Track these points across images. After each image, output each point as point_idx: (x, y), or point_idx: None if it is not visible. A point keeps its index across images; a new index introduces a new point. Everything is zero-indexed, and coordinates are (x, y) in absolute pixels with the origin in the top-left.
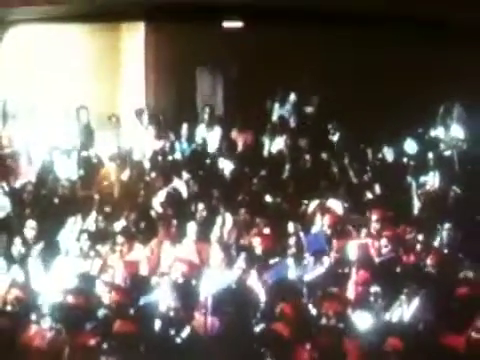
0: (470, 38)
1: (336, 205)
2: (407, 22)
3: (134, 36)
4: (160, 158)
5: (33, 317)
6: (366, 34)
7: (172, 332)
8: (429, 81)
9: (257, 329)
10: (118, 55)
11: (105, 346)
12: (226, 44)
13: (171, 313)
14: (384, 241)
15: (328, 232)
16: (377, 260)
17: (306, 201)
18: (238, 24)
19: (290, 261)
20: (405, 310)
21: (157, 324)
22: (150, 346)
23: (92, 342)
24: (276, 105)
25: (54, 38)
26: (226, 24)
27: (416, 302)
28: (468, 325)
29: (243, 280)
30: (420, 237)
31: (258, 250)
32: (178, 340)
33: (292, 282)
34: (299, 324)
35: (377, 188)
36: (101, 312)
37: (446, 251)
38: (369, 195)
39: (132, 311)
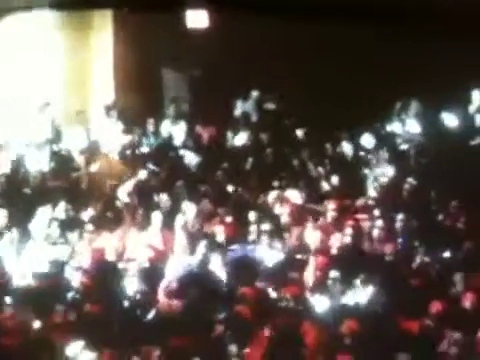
0: (428, 33)
1: (295, 195)
2: (365, 17)
3: (102, 33)
4: (127, 152)
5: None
6: (326, 30)
7: (139, 313)
8: (387, 76)
9: (219, 311)
10: (86, 52)
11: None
12: (191, 41)
13: (138, 296)
14: (342, 229)
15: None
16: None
17: (266, 191)
18: (204, 22)
19: (251, 247)
20: (362, 295)
21: (124, 306)
22: (118, 327)
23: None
24: (239, 101)
25: (21, 34)
26: (191, 22)
27: (372, 288)
28: (422, 310)
29: (205, 265)
30: (376, 226)
31: (220, 237)
32: (145, 321)
33: (253, 267)
34: (259, 307)
35: (335, 179)
36: (70, 295)
37: (401, 240)
38: (327, 186)
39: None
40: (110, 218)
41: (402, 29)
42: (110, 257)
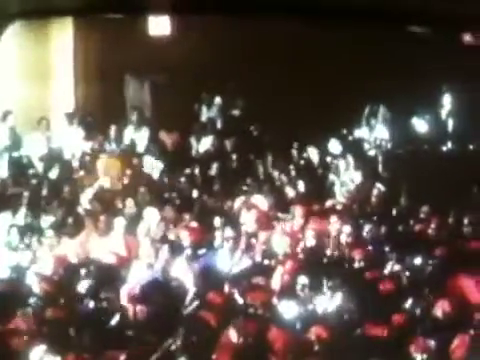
0: (397, 37)
1: (261, 201)
2: (335, 20)
3: (64, 39)
4: (88, 158)
5: None
6: (292, 34)
7: (102, 319)
8: (354, 81)
9: (184, 317)
10: (48, 59)
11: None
12: (154, 48)
13: (101, 302)
14: (308, 235)
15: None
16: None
17: (232, 197)
18: (166, 29)
19: (216, 253)
20: (329, 301)
21: (88, 312)
22: (81, 332)
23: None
24: (203, 108)
25: None
26: (153, 30)
27: (340, 294)
28: (390, 316)
29: (169, 271)
30: (345, 232)
31: (185, 243)
32: (108, 327)
33: (219, 273)
34: (225, 312)
35: (301, 185)
36: (32, 300)
37: (370, 246)
38: (292, 192)
39: (62, 300)
40: (71, 224)
41: (373, 32)
42: (71, 263)
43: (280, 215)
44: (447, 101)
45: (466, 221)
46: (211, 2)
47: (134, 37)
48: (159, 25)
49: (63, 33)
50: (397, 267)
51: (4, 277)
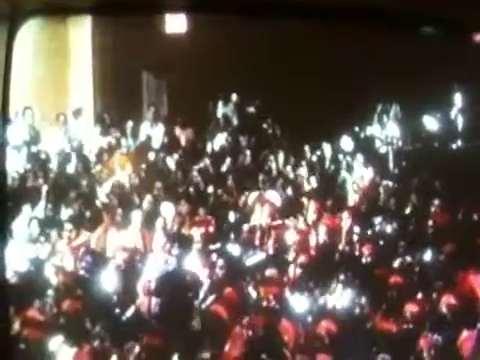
0: (407, 36)
1: (274, 197)
2: (343, 19)
3: (82, 36)
4: (106, 153)
5: None
6: (305, 33)
7: (118, 311)
8: (367, 80)
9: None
10: (66, 56)
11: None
12: (171, 46)
13: (117, 294)
14: (321, 230)
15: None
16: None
17: (246, 193)
18: (183, 28)
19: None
20: (340, 296)
21: (104, 304)
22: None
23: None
24: (219, 104)
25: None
26: (170, 28)
27: (351, 288)
28: (399, 311)
29: (184, 265)
30: (356, 228)
31: (199, 238)
32: (123, 318)
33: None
34: (238, 306)
35: (313, 181)
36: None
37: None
38: (306, 187)
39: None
40: (89, 217)
41: (381, 33)
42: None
43: (293, 210)
44: (459, 99)
45: (476, 217)
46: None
47: (151, 34)
48: (176, 23)
49: (79, 30)
50: (407, 263)
51: (22, 269)
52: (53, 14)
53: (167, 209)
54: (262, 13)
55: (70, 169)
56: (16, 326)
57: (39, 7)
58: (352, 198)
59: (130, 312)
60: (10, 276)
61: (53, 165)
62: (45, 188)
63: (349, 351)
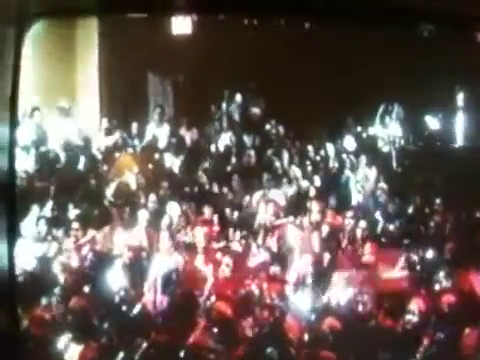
0: (411, 35)
1: (278, 196)
2: (346, 19)
3: (88, 38)
4: (113, 153)
5: None
6: (309, 33)
7: (124, 308)
8: (370, 79)
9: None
10: (73, 58)
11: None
12: (176, 47)
13: (123, 292)
14: (324, 229)
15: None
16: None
17: (250, 192)
18: (188, 29)
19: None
20: (343, 294)
21: (111, 301)
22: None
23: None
24: (223, 105)
25: None
26: (176, 29)
27: (354, 286)
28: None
29: (189, 263)
30: (359, 227)
31: (204, 236)
32: (130, 315)
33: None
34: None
35: (317, 180)
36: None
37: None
38: (309, 187)
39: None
40: (96, 216)
41: (384, 34)
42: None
43: (296, 209)
44: (462, 98)
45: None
46: (233, 2)
47: (157, 35)
48: (182, 24)
49: (86, 32)
50: (409, 261)
51: (30, 267)
52: (59, 17)
53: (173, 208)
54: (266, 13)
55: (77, 169)
56: (24, 324)
57: (46, 10)
58: (355, 197)
59: (137, 309)
60: (18, 274)
61: (60, 165)
62: (53, 188)
63: (353, 348)
